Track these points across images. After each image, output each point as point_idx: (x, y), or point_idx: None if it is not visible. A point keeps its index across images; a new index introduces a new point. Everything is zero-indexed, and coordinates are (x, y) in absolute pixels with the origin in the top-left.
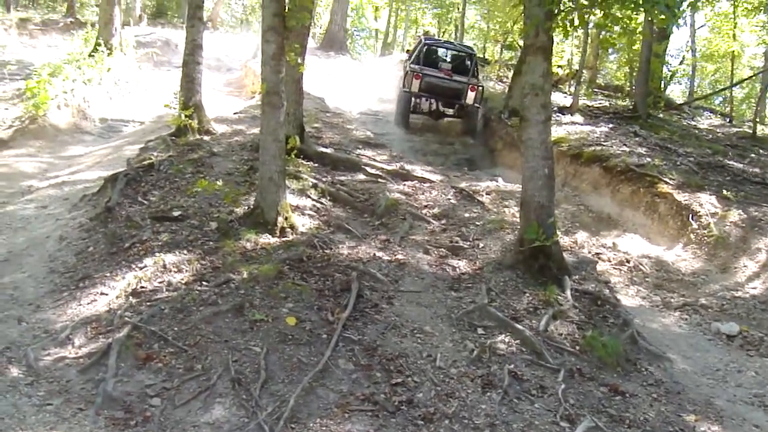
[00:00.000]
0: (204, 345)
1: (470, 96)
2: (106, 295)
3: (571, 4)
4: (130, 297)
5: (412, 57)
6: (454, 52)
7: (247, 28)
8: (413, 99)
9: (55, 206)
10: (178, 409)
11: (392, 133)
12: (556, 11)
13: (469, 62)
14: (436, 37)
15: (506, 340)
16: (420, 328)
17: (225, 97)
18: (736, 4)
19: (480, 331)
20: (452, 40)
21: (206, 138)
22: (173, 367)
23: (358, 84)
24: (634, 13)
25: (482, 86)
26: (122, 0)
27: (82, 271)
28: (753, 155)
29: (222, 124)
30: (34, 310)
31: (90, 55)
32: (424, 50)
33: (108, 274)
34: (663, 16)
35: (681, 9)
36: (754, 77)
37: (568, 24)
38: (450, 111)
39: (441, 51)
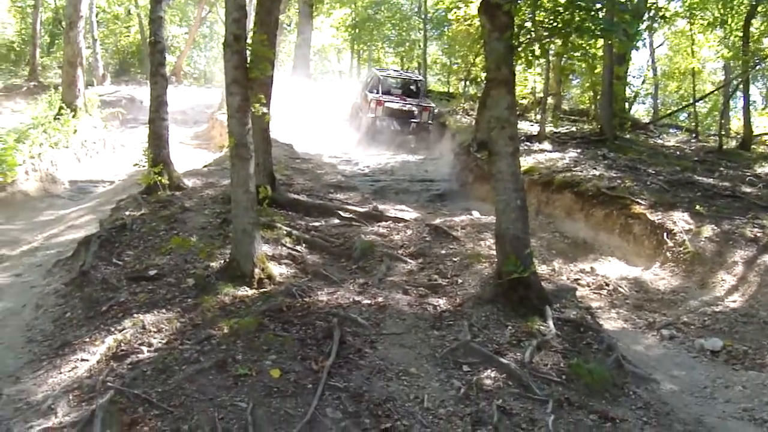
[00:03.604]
0: (189, 405)
1: (424, 115)
2: (87, 360)
3: (530, 36)
4: (111, 361)
5: (369, 86)
6: (403, 80)
7: (211, 80)
8: (377, 121)
9: (30, 274)
10: None
11: (363, 174)
12: (516, 44)
13: (415, 87)
14: (386, 68)
15: (492, 375)
16: (405, 370)
17: (193, 151)
18: (692, 21)
19: (465, 368)
20: (399, 69)
21: (177, 193)
22: (159, 429)
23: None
24: (593, 40)
25: (433, 106)
26: (84, 60)
27: (61, 338)
28: (721, 169)
29: (192, 177)
30: (14, 382)
31: (55, 118)
32: (378, 80)
33: (87, 339)
34: (621, 42)
35: (638, 32)
36: (715, 92)
37: (530, 55)
38: (407, 129)
39: (392, 80)
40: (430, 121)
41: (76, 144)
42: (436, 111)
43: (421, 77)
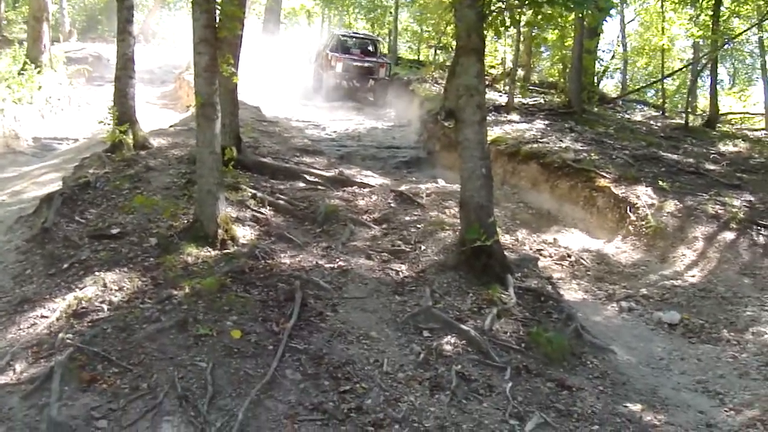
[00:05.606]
0: (149, 363)
1: (381, 72)
2: (47, 317)
3: (501, 4)
4: (71, 318)
5: (329, 46)
6: (361, 40)
7: (180, 40)
8: (336, 76)
9: None
10: (125, 430)
11: (330, 139)
12: (487, 12)
13: (372, 47)
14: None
15: (452, 341)
16: (366, 334)
17: (160, 110)
18: None
19: (426, 333)
20: (357, 30)
21: (142, 153)
22: (118, 387)
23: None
24: (564, 11)
25: (389, 63)
26: (51, 15)
27: (21, 294)
28: (686, 146)
29: (158, 137)
30: None
31: (19, 74)
32: (338, 40)
33: (47, 296)
34: (593, 15)
35: (609, 5)
36: (683, 69)
37: (500, 24)
38: (366, 85)
39: (351, 40)
40: (387, 77)
41: (40, 100)
42: (391, 66)
43: (378, 37)
